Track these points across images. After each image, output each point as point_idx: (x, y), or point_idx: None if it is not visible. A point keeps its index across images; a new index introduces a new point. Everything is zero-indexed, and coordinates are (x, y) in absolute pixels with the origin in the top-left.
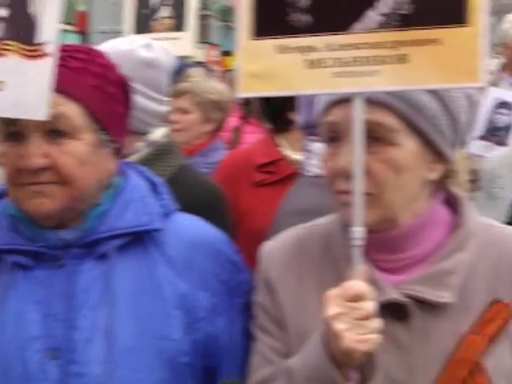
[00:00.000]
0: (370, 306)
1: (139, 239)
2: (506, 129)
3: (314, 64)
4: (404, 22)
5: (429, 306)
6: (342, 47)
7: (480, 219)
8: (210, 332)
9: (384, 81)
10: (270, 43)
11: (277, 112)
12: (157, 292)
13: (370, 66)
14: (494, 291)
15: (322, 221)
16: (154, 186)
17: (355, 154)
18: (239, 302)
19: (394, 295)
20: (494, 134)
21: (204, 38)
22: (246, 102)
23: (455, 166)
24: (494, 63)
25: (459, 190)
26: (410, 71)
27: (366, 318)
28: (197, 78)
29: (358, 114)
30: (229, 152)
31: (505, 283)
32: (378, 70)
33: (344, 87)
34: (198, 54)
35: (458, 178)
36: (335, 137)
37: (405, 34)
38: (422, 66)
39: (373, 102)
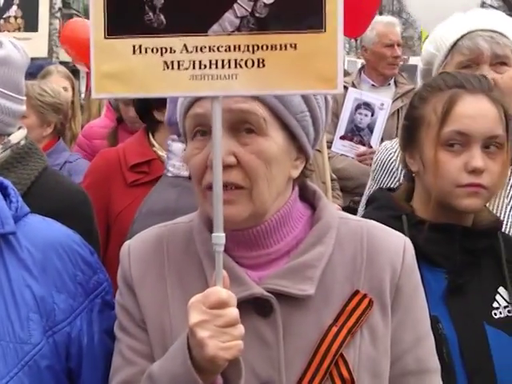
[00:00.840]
0: (232, 312)
1: None
2: (368, 129)
3: (171, 66)
4: (260, 25)
5: (291, 300)
6: (199, 49)
7: (337, 213)
8: (69, 334)
9: (241, 85)
10: (125, 42)
11: (143, 111)
12: (14, 296)
13: (228, 69)
14: (353, 283)
15: (184, 219)
16: (2, 190)
17: (215, 158)
18: (98, 302)
19: (257, 290)
20: (355, 133)
21: None
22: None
23: (312, 166)
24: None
25: (314, 185)
26: (266, 76)
27: (229, 324)
28: (32, 81)
29: (216, 117)
30: (100, 152)
31: (361, 275)
32: (235, 73)
33: (201, 90)
34: (63, 53)
35: (319, 176)
36: (202, 130)
37: (261, 38)
38: (279, 71)
39: (226, 96)
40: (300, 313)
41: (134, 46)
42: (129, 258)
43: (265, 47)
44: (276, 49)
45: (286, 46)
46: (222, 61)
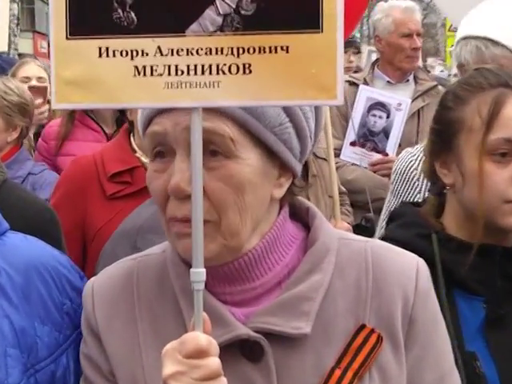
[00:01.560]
0: (213, 363)
1: None
2: (383, 133)
3: (142, 71)
4: (247, 24)
5: (285, 340)
6: (176, 52)
7: (337, 233)
8: (53, 373)
9: (224, 94)
10: (90, 44)
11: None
12: None
13: (208, 75)
14: (358, 316)
15: (156, 249)
16: None
17: (195, 177)
18: None
19: (243, 331)
20: (368, 139)
21: (31, 27)
22: None
23: (300, 181)
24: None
25: (306, 201)
26: (253, 83)
27: (209, 377)
28: None
29: (196, 131)
30: (73, 160)
31: (367, 306)
32: (217, 80)
33: (178, 100)
34: (23, 44)
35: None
36: (162, 151)
37: (247, 40)
38: (268, 78)
39: (209, 109)
40: (296, 355)
41: (100, 49)
42: (92, 298)
43: (251, 50)
44: (265, 52)
45: (276, 49)
46: (202, 66)
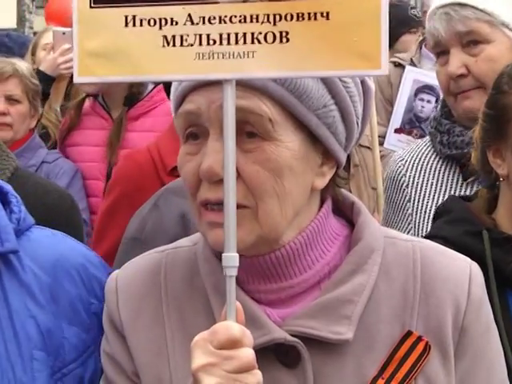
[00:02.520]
0: (247, 354)
1: None
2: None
3: (172, 41)
4: None
5: (324, 346)
6: (208, 20)
7: (383, 231)
8: (82, 378)
9: (260, 64)
10: (116, 13)
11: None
12: (14, 330)
13: (243, 45)
14: (404, 322)
15: (186, 241)
16: (1, 196)
17: (228, 156)
18: None
19: (279, 334)
20: (415, 125)
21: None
22: None
23: (343, 172)
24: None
25: (352, 195)
26: (291, 53)
27: (243, 369)
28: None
29: (229, 106)
30: (126, 156)
31: (415, 312)
32: (251, 50)
33: (210, 72)
34: (39, 22)
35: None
36: (195, 132)
37: (284, 6)
38: (307, 47)
39: (245, 85)
40: (335, 362)
41: (126, 17)
42: (116, 294)
43: (289, 17)
44: (303, 19)
45: (315, 16)
46: (236, 35)
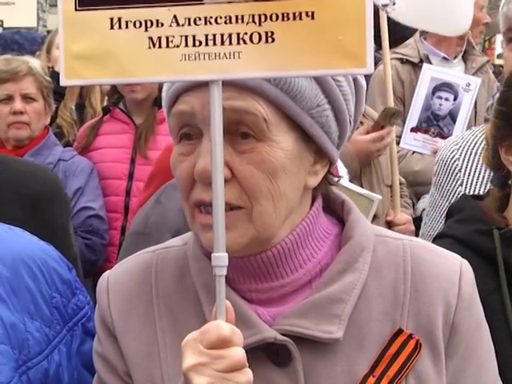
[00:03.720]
0: (237, 353)
1: None
2: (450, 117)
3: (158, 43)
4: None
5: (315, 345)
6: (193, 21)
7: (374, 230)
8: (47, 371)
9: (245, 65)
10: (101, 15)
11: None
12: None
13: (228, 45)
14: (395, 320)
15: (176, 241)
16: None
17: (215, 156)
18: (78, 331)
19: (270, 334)
20: (432, 123)
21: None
22: (114, 88)
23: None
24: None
25: (341, 193)
26: (277, 53)
27: (234, 369)
28: (32, 57)
29: (216, 107)
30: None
31: (405, 310)
32: (237, 50)
33: (196, 73)
34: (52, 20)
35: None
36: (188, 133)
37: (269, 6)
38: (292, 47)
39: (240, 86)
40: (326, 360)
41: (111, 20)
42: (107, 294)
43: (274, 17)
44: (288, 19)
45: (300, 15)
46: (222, 36)
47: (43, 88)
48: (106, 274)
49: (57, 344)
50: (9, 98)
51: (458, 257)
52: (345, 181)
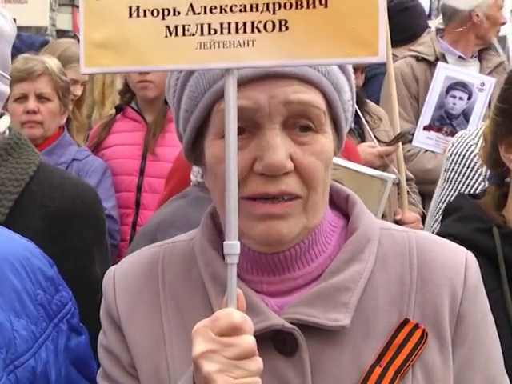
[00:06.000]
0: (248, 341)
1: None
2: (463, 116)
3: (174, 31)
4: None
5: (321, 333)
6: (209, 10)
7: (379, 223)
8: (34, 369)
9: (260, 53)
10: (120, 4)
11: None
12: None
13: (243, 34)
14: (401, 310)
15: (184, 236)
16: None
17: (229, 146)
18: (63, 328)
19: (277, 321)
20: (446, 122)
21: (70, 1)
22: (126, 87)
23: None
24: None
25: (346, 187)
26: (290, 41)
27: (244, 356)
28: (50, 56)
29: (230, 95)
30: None
31: (411, 299)
32: (251, 39)
33: (211, 61)
34: (62, 20)
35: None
36: (241, 127)
37: None
38: (306, 35)
39: (303, 80)
40: (333, 349)
41: (130, 8)
42: (114, 287)
43: (288, 5)
44: (302, 7)
45: (314, 3)
46: (236, 24)
47: (59, 88)
48: (112, 268)
49: (43, 341)
50: (24, 97)
51: (463, 248)
52: (353, 164)
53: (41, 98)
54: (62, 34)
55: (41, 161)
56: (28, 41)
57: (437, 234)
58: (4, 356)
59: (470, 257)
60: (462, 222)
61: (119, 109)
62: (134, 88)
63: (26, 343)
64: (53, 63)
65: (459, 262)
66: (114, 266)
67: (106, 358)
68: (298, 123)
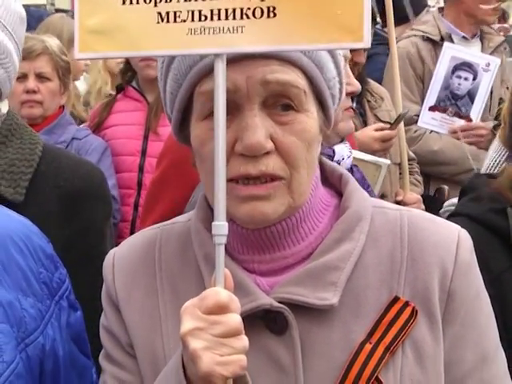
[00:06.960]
0: (234, 319)
1: None
2: (468, 96)
3: (166, 18)
4: None
5: (311, 312)
6: None
7: (372, 201)
8: (43, 346)
9: (249, 39)
10: None
11: None
12: None
13: (232, 20)
14: (391, 287)
15: (182, 217)
16: None
17: (218, 128)
18: (64, 305)
19: (266, 301)
20: (451, 102)
21: None
22: (127, 66)
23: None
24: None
25: (339, 166)
26: (278, 27)
27: (230, 334)
28: (49, 35)
29: (220, 80)
30: None
31: (401, 277)
32: (240, 25)
33: (201, 47)
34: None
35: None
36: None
37: None
38: (292, 22)
39: (282, 59)
40: (323, 328)
41: None
42: (113, 269)
43: None
44: None
45: None
46: (226, 10)
47: (59, 67)
48: (112, 250)
49: (49, 318)
50: (23, 77)
51: (457, 226)
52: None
53: (40, 77)
54: (61, 13)
55: (44, 142)
56: (36, 14)
57: (452, 213)
58: (16, 334)
59: (463, 234)
60: (477, 201)
61: (120, 88)
62: (136, 67)
63: (34, 321)
64: (53, 43)
65: (451, 239)
66: (114, 249)
67: (107, 339)
68: (279, 102)
